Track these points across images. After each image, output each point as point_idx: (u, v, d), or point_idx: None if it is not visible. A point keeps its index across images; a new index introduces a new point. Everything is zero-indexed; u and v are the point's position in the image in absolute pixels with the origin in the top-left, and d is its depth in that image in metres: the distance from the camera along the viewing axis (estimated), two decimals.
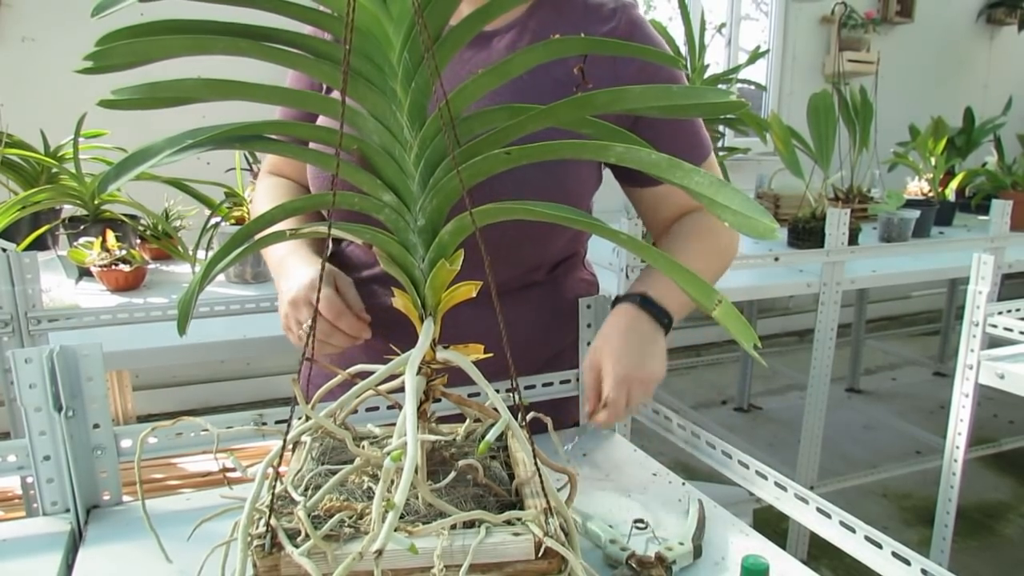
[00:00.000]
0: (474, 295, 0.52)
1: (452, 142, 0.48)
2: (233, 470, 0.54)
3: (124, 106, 0.47)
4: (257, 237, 0.52)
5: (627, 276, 1.64)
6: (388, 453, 0.44)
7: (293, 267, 0.81)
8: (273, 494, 0.47)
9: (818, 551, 2.10)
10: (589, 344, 0.89)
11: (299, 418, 0.53)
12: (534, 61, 0.48)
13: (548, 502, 0.49)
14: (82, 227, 1.60)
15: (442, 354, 0.53)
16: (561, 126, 0.50)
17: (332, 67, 0.48)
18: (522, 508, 0.50)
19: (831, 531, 0.61)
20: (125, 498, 0.73)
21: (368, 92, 0.49)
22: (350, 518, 0.47)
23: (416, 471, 0.42)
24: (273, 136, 0.53)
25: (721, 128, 1.90)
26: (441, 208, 0.51)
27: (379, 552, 0.38)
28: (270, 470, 0.49)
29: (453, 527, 0.47)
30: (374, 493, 0.45)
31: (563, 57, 0.50)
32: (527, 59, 0.48)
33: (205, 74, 0.50)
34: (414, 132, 0.50)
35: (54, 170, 1.69)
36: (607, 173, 0.92)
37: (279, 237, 0.54)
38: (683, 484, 0.77)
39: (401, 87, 0.49)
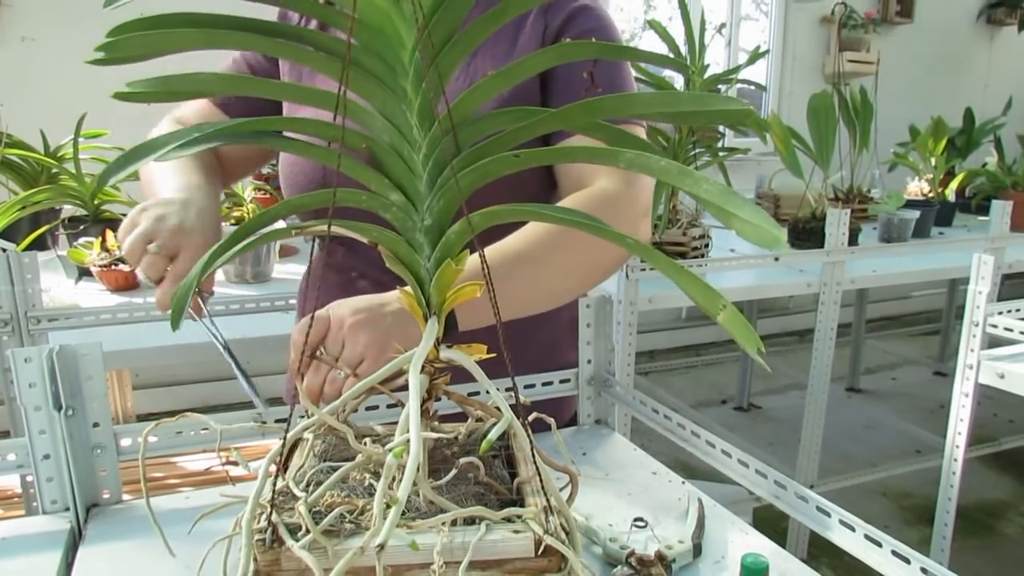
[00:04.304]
0: (478, 295, 0.52)
1: (454, 146, 0.48)
2: (235, 464, 0.54)
3: (138, 99, 0.47)
4: (261, 233, 0.51)
5: (627, 276, 1.64)
6: (390, 450, 0.44)
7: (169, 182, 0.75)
8: (275, 490, 0.47)
9: (818, 550, 2.10)
10: (589, 344, 0.89)
11: (301, 416, 0.53)
12: (544, 65, 0.48)
13: (549, 500, 0.49)
14: (82, 227, 1.60)
15: (445, 353, 0.53)
16: (571, 130, 0.50)
17: (342, 64, 0.48)
18: (523, 506, 0.50)
19: (831, 530, 0.61)
20: (125, 496, 0.73)
21: (378, 90, 0.49)
22: (351, 513, 0.47)
23: (418, 468, 0.42)
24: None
25: (721, 128, 1.90)
26: (448, 208, 0.51)
27: (381, 547, 0.38)
28: (273, 466, 0.49)
29: (454, 523, 0.47)
30: (375, 490, 0.45)
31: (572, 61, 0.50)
32: (537, 62, 0.47)
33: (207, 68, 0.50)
34: (423, 132, 0.50)
35: (54, 170, 1.69)
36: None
37: (283, 233, 0.54)
38: (683, 483, 0.77)
39: (412, 87, 0.49)
